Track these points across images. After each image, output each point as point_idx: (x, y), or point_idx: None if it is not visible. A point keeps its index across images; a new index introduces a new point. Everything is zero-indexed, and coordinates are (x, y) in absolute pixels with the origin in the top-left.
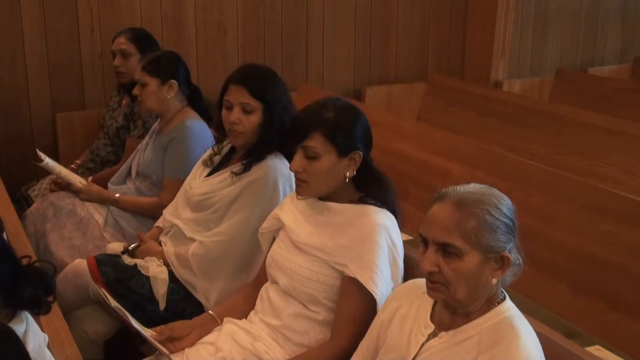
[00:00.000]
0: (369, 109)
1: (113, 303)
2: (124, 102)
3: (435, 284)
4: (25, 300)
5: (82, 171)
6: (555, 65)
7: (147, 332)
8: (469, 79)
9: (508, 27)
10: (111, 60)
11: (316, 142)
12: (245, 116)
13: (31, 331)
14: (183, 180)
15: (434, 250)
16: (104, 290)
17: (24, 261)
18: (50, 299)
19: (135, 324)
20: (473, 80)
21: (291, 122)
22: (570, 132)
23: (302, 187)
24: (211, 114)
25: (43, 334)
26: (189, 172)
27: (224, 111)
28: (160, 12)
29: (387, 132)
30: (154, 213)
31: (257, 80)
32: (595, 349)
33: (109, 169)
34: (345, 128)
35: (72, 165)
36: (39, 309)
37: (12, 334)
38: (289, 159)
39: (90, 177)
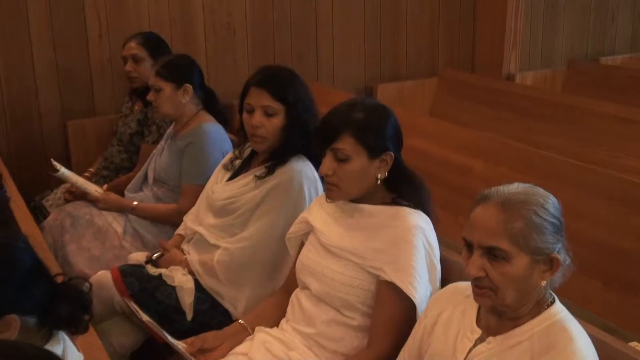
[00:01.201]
0: None
1: (145, 317)
2: (136, 107)
3: (483, 290)
4: (63, 320)
5: (96, 179)
6: (566, 56)
7: (179, 345)
8: (480, 73)
9: (519, 19)
10: (121, 66)
11: (346, 144)
12: (267, 119)
13: (69, 353)
14: (202, 186)
15: (480, 254)
16: (134, 304)
17: (58, 279)
18: (87, 317)
19: (169, 338)
20: (484, 74)
21: (319, 123)
22: (588, 124)
23: (333, 191)
24: (227, 116)
25: (79, 354)
26: (208, 177)
27: (244, 115)
28: (168, 15)
29: (404, 129)
30: (173, 220)
31: (279, 82)
32: (634, 345)
33: (125, 176)
34: (375, 128)
35: (86, 174)
36: (76, 329)
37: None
38: (313, 161)
39: (106, 185)
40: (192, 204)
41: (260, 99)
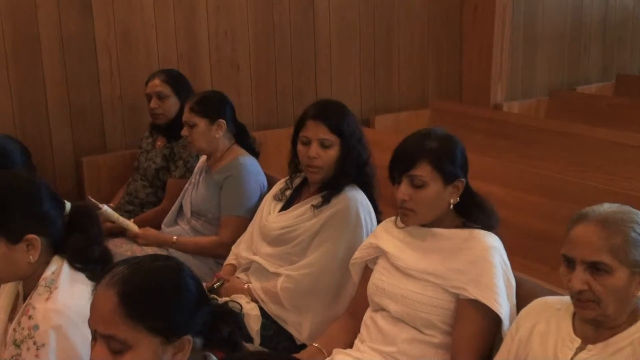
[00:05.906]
0: (385, 136)
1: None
2: (158, 143)
3: (587, 302)
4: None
5: (119, 214)
6: (544, 87)
7: None
8: (467, 103)
9: (504, 53)
10: (131, 102)
11: (423, 171)
12: (323, 151)
13: None
14: (241, 217)
15: (583, 269)
16: None
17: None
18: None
19: None
20: (472, 104)
21: (394, 153)
22: (583, 149)
23: (409, 215)
24: (258, 149)
25: None
26: (247, 208)
27: (299, 146)
28: (176, 52)
29: None
30: (214, 251)
31: (334, 115)
32: None
33: (152, 211)
34: (449, 157)
35: None
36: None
37: None
38: (365, 189)
39: (132, 220)
40: (233, 234)
41: (317, 131)
